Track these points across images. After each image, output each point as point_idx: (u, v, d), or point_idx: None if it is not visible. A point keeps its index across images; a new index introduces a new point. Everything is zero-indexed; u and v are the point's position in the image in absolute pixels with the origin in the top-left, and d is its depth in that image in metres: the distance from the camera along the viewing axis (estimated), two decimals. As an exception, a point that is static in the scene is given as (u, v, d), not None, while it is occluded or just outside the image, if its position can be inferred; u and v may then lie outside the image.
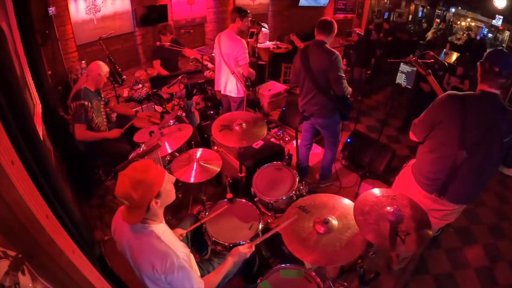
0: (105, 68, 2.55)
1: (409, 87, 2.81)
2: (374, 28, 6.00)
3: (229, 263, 1.52)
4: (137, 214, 1.21)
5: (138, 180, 1.17)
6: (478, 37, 9.60)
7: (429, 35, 9.36)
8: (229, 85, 3.13)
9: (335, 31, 2.47)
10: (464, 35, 10.86)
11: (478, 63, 1.62)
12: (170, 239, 1.28)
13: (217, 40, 3.06)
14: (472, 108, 1.58)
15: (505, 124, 1.52)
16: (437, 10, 11.39)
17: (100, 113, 2.65)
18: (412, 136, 1.89)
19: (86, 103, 2.41)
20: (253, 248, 1.60)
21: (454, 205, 1.78)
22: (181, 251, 1.27)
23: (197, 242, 1.93)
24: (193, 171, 2.07)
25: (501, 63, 1.52)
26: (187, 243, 1.81)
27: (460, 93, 1.65)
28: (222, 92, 3.26)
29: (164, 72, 3.75)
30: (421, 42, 8.89)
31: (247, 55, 2.97)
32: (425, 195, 1.82)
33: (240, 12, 2.90)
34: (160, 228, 1.29)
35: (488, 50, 1.64)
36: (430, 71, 2.36)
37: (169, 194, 1.31)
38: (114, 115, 3.39)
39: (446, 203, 1.78)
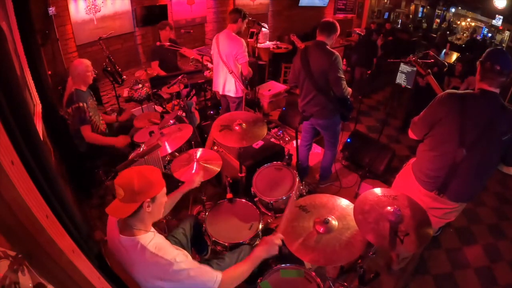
0: (86, 62, 2.52)
1: (409, 87, 2.81)
2: (375, 29, 5.99)
3: (260, 255, 1.42)
4: (127, 208, 1.18)
5: (144, 175, 1.22)
6: (478, 37, 9.60)
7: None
8: (228, 85, 3.15)
9: (337, 33, 2.47)
10: (464, 35, 10.86)
11: (478, 62, 1.63)
12: (158, 247, 1.23)
13: (215, 40, 3.08)
14: (471, 107, 1.59)
15: (504, 122, 1.53)
16: (437, 10, 11.39)
17: (96, 111, 2.66)
18: (411, 134, 1.90)
19: (81, 104, 2.41)
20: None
21: (454, 203, 1.78)
22: (173, 255, 1.22)
23: (197, 242, 1.92)
24: (193, 171, 2.07)
25: (502, 62, 1.53)
26: (187, 243, 1.81)
27: (460, 91, 1.66)
28: (220, 93, 3.27)
29: (162, 73, 3.75)
30: (421, 42, 8.90)
31: (247, 53, 2.99)
32: (425, 193, 1.82)
33: (242, 13, 2.97)
34: (147, 238, 1.25)
35: (487, 49, 1.65)
36: (429, 70, 2.36)
37: (160, 207, 1.31)
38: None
39: (446, 201, 1.78)
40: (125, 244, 1.24)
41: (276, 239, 1.46)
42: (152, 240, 1.25)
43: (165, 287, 1.22)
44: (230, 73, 3.03)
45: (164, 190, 1.29)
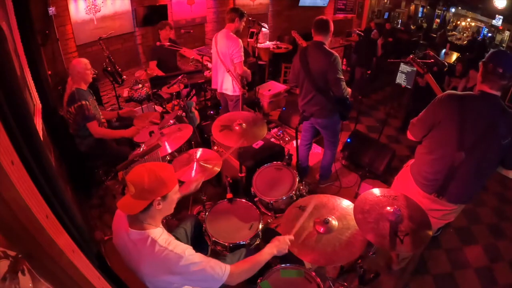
0: (84, 60, 2.52)
1: (409, 87, 2.81)
2: (376, 28, 5.96)
3: (271, 252, 1.44)
4: (137, 205, 1.20)
5: (155, 173, 1.20)
6: (478, 38, 9.61)
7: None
8: (225, 83, 3.17)
9: (332, 29, 2.47)
10: (464, 35, 10.86)
11: (480, 63, 1.60)
12: (168, 241, 1.26)
13: (214, 39, 3.11)
14: (471, 109, 1.57)
15: (504, 125, 1.50)
16: (437, 10, 11.40)
17: (97, 110, 2.66)
18: (410, 136, 1.88)
19: (83, 102, 2.42)
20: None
21: (453, 205, 1.78)
22: (182, 249, 1.25)
23: (197, 242, 1.92)
24: (193, 171, 2.07)
25: (505, 64, 1.50)
26: (188, 243, 1.81)
27: (460, 93, 1.64)
28: (218, 91, 3.30)
29: (160, 73, 3.75)
30: (421, 42, 8.90)
31: (242, 53, 3.01)
32: (423, 195, 1.81)
33: (239, 12, 2.98)
34: (157, 232, 1.27)
35: (491, 51, 1.62)
36: (427, 69, 2.36)
37: (171, 204, 1.32)
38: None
39: (445, 203, 1.78)
40: (135, 238, 1.25)
41: (287, 238, 1.49)
42: (162, 235, 1.27)
43: (174, 281, 1.23)
44: (227, 72, 3.05)
45: (177, 187, 1.29)
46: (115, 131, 2.66)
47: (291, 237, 1.51)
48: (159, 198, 1.21)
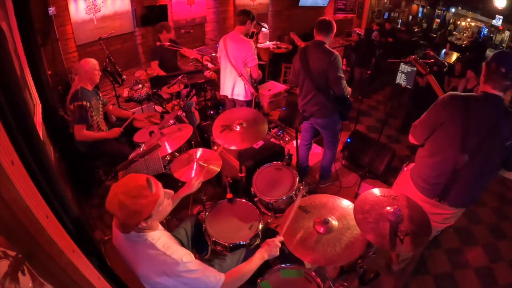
0: (94, 60, 2.52)
1: (409, 87, 2.81)
2: (377, 29, 5.94)
3: (262, 257, 1.46)
4: (126, 228, 1.20)
5: (124, 204, 1.11)
6: (480, 38, 9.61)
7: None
8: (237, 88, 3.06)
9: (334, 31, 2.47)
10: (464, 35, 10.86)
11: (484, 63, 1.58)
12: (166, 245, 1.25)
13: (222, 43, 2.99)
14: (474, 110, 1.55)
15: (507, 127, 1.49)
16: (437, 10, 11.40)
17: (99, 112, 2.65)
18: (412, 139, 1.85)
19: (84, 103, 2.41)
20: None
21: (454, 209, 1.76)
22: (180, 255, 1.24)
23: (197, 242, 1.92)
24: (193, 171, 2.07)
25: (508, 64, 1.49)
26: (188, 243, 1.81)
27: (462, 94, 1.62)
28: (229, 97, 3.16)
29: (162, 73, 3.74)
30: (421, 42, 8.90)
31: (256, 56, 2.93)
32: (424, 200, 1.78)
33: (251, 15, 2.90)
34: (155, 235, 1.26)
35: (494, 51, 1.61)
36: (429, 70, 2.35)
37: (163, 211, 1.28)
38: (113, 116, 3.39)
39: (446, 207, 1.76)
40: (133, 240, 1.25)
41: (277, 241, 1.51)
42: (160, 238, 1.27)
43: (169, 284, 1.23)
44: (240, 76, 2.95)
45: (161, 200, 1.22)
46: (97, 134, 2.62)
47: (281, 238, 1.53)
48: (142, 223, 1.17)
